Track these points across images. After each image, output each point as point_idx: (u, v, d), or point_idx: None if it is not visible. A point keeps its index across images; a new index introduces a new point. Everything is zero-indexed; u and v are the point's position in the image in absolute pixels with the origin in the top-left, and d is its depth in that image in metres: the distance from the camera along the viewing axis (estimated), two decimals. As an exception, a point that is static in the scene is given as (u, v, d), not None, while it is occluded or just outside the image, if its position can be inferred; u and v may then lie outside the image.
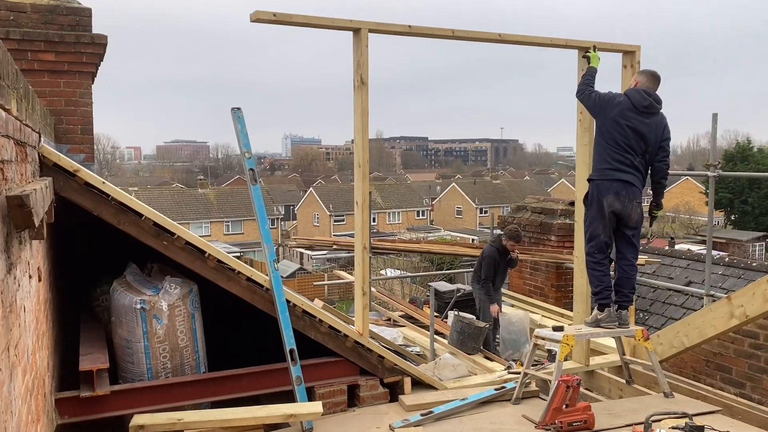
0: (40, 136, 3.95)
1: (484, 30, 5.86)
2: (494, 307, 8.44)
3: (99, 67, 6.99)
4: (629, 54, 6.22)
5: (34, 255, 3.16)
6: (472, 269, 9.38)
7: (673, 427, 4.62)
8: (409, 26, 5.38)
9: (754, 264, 10.44)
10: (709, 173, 7.08)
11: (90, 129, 6.89)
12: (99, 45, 6.76)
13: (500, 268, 8.75)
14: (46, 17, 6.61)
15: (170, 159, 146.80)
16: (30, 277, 2.93)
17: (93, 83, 6.96)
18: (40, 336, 3.36)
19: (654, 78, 5.59)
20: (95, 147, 7.06)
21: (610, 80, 6.23)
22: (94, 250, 6.04)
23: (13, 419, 2.16)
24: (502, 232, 9.11)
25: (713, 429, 4.63)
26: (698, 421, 4.79)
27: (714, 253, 9.02)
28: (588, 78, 5.68)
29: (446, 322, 9.01)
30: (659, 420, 4.81)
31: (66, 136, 6.65)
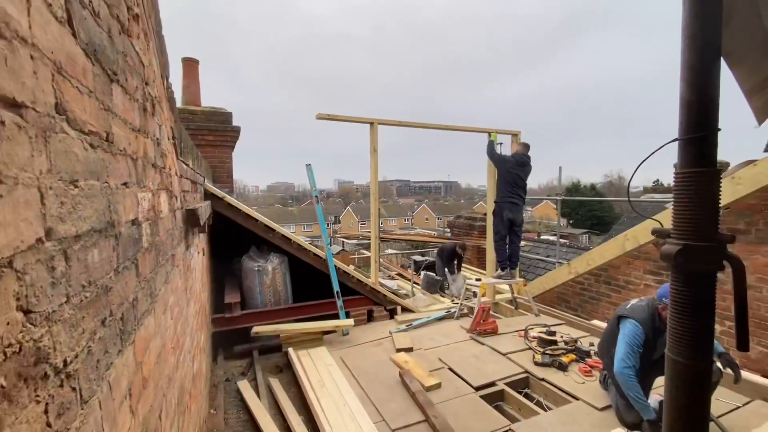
0: (204, 179, 3.98)
1: (439, 122, 5.86)
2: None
3: (236, 142, 7.03)
4: (515, 135, 6.21)
5: (200, 241, 3.18)
6: (436, 250, 9.26)
7: (540, 331, 4.61)
8: (400, 121, 5.40)
9: (583, 246, 10.42)
10: (557, 197, 7.05)
11: (231, 175, 6.91)
12: (236, 132, 6.79)
13: (453, 257, 8.45)
14: (208, 116, 6.65)
15: (274, 191, 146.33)
16: (198, 252, 2.95)
17: (233, 151, 7.00)
18: (203, 284, 3.37)
19: (526, 146, 5.59)
20: (233, 184, 7.07)
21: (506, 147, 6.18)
22: (233, 240, 6.06)
23: (189, 326, 2.18)
24: (456, 244, 8.32)
25: (561, 332, 4.61)
26: (553, 329, 4.78)
27: (561, 240, 8.95)
28: (492, 147, 5.67)
29: (420, 277, 8.96)
30: (533, 328, 4.80)
31: (218, 179, 6.69)
